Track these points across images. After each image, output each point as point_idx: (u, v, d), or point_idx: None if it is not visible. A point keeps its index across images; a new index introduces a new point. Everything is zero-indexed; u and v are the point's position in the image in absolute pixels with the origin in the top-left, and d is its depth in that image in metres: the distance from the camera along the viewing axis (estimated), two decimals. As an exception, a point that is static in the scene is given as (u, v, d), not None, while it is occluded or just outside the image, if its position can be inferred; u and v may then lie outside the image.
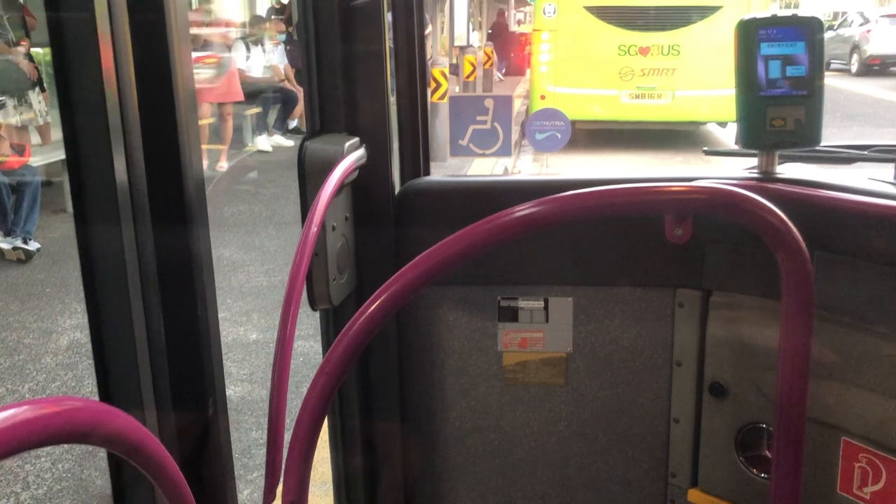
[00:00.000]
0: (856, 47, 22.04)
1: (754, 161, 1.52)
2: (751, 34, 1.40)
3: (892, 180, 1.43)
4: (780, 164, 1.51)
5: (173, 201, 1.04)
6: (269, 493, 1.11)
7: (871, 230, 1.36)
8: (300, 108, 11.80)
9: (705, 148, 1.95)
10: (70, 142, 0.97)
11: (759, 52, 1.39)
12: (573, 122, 8.10)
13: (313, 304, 1.48)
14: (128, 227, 1.00)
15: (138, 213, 1.00)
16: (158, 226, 1.02)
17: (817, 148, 1.47)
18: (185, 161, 1.04)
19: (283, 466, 1.13)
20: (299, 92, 11.57)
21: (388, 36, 1.60)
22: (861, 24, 22.53)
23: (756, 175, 1.50)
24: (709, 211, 1.20)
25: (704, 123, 11.92)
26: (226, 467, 1.19)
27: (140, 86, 0.98)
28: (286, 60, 11.75)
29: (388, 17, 1.62)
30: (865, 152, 1.61)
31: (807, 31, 1.39)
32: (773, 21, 1.40)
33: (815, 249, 1.38)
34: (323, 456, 1.71)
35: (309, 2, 1.52)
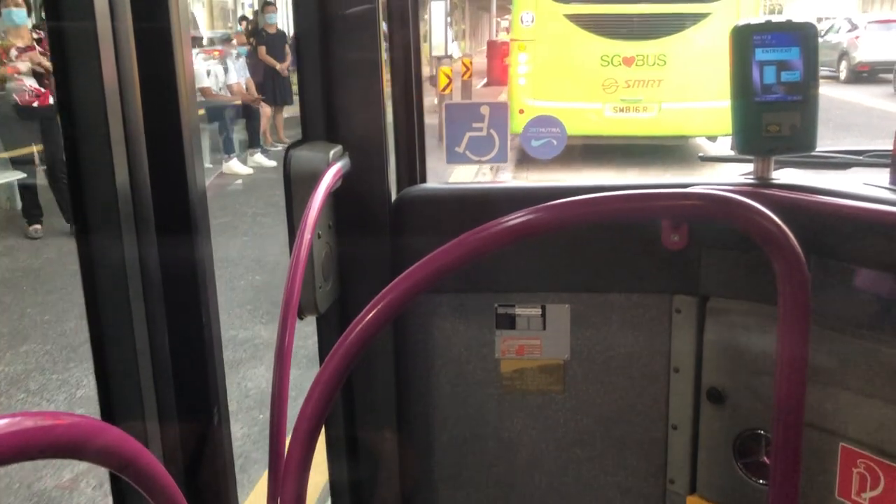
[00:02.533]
0: (844, 54, 21.27)
1: (750, 167, 1.53)
2: (746, 40, 1.41)
3: (887, 185, 1.43)
4: (776, 169, 1.51)
5: (177, 210, 1.04)
6: (272, 501, 1.11)
7: (866, 235, 1.36)
8: (264, 123, 11.64)
9: (701, 154, 1.96)
10: (70, 149, 0.97)
11: (754, 58, 1.40)
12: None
13: (300, 313, 1.48)
14: (130, 235, 1.00)
15: (141, 221, 1.00)
16: (162, 234, 1.02)
17: (813, 153, 1.48)
18: (190, 168, 1.04)
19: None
20: (260, 106, 11.31)
21: (384, 45, 1.60)
22: (849, 31, 21.88)
23: (752, 181, 1.50)
24: (705, 217, 1.21)
25: (693, 138, 11.10)
26: (228, 477, 1.19)
27: (144, 93, 0.98)
28: (247, 74, 11.40)
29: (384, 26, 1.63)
30: (861, 157, 1.62)
31: (801, 36, 1.40)
32: (768, 27, 1.41)
33: (811, 254, 1.39)
34: (319, 459, 1.70)
35: (302, 11, 1.52)
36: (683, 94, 9.83)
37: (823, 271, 1.40)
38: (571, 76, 10.18)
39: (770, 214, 1.11)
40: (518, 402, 1.70)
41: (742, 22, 1.43)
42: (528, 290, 1.66)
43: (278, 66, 11.90)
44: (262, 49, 11.84)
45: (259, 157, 11.14)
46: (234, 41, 12.27)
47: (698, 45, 9.68)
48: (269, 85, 11.91)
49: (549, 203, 1.12)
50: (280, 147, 11.53)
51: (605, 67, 10.08)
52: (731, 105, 1.45)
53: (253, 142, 11.38)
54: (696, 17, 9.85)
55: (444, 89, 12.68)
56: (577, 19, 10.10)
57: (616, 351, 1.65)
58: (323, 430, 1.13)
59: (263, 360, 4.65)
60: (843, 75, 21.30)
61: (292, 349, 1.18)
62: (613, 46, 10.08)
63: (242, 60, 11.48)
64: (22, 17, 7.64)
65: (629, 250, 1.60)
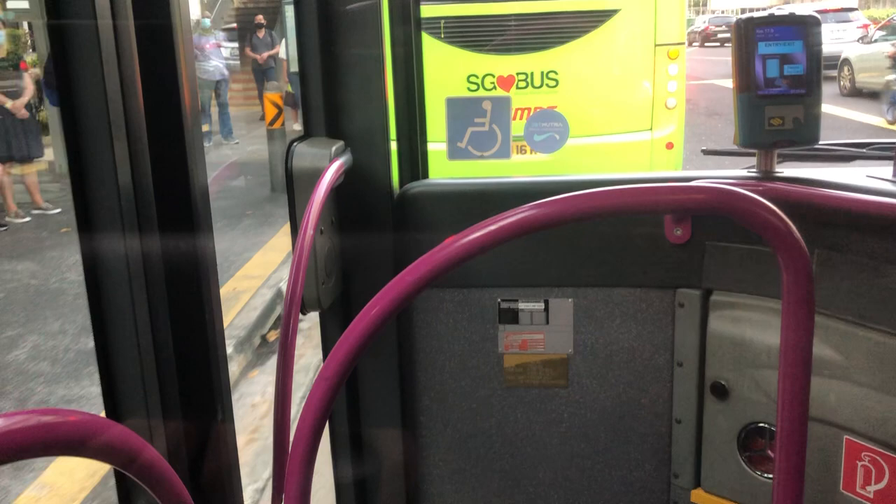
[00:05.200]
0: None
1: (753, 160, 1.53)
2: (749, 33, 1.41)
3: (890, 178, 1.43)
4: (779, 163, 1.51)
5: (179, 207, 1.04)
6: (276, 498, 1.11)
7: (870, 228, 1.36)
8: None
9: (703, 147, 1.96)
10: (73, 148, 0.97)
11: (757, 52, 1.40)
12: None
13: (303, 309, 1.48)
14: (133, 233, 1.00)
15: (144, 219, 1.00)
16: (165, 232, 1.03)
17: (816, 146, 1.48)
18: (192, 166, 1.04)
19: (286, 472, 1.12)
20: None
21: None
22: None
23: (755, 174, 1.50)
24: (708, 211, 1.21)
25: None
26: (232, 473, 1.19)
27: (146, 91, 0.98)
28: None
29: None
30: (864, 150, 1.62)
31: (804, 29, 1.40)
32: (771, 20, 1.41)
33: (815, 248, 1.38)
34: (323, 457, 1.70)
35: (303, 6, 1.52)
36: (587, 125, 6.73)
37: (827, 264, 1.40)
38: (427, 107, 6.48)
39: (774, 208, 1.11)
40: (522, 396, 1.70)
41: (745, 16, 1.43)
42: (531, 284, 1.66)
43: (10, 105, 8.30)
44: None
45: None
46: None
47: (604, 55, 6.81)
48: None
49: (552, 198, 1.12)
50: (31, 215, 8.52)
51: (473, 93, 6.85)
52: (734, 98, 1.45)
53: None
54: (600, 18, 6.85)
55: (272, 123, 8.89)
56: (428, 26, 6.74)
57: (619, 345, 1.65)
58: (327, 425, 1.13)
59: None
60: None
61: (295, 345, 1.18)
62: (483, 63, 6.85)
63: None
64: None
65: (632, 245, 1.60)
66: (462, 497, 1.77)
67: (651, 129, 6.78)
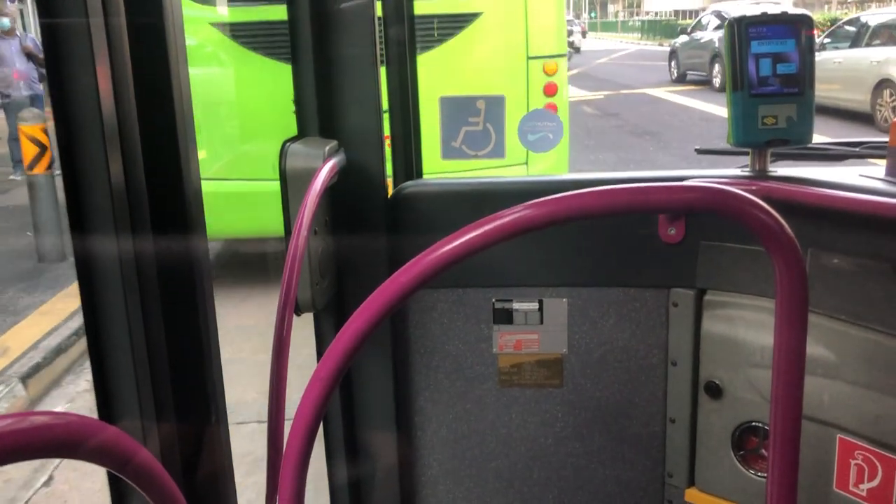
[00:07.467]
0: (717, 56, 16.04)
1: (746, 160, 1.53)
2: (741, 33, 1.41)
3: (883, 177, 1.43)
4: (772, 161, 1.51)
5: (173, 208, 1.04)
6: (270, 499, 1.11)
7: (863, 227, 1.36)
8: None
9: (697, 146, 1.96)
10: (65, 148, 0.97)
11: (750, 51, 1.40)
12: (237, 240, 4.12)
13: (297, 310, 1.48)
14: (126, 234, 0.99)
15: (137, 220, 1.00)
16: (158, 233, 1.02)
17: (809, 145, 1.48)
18: (185, 166, 1.04)
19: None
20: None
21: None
22: (717, 27, 16.87)
23: (748, 173, 1.50)
24: (701, 210, 1.21)
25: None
26: (227, 476, 1.19)
27: (139, 90, 0.98)
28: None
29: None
30: (857, 149, 1.62)
31: (797, 28, 1.41)
32: (764, 19, 1.41)
33: (808, 247, 1.39)
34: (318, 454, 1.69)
35: (295, 4, 1.52)
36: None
37: (820, 264, 1.40)
38: (245, 137, 5.62)
39: (767, 207, 1.11)
40: (516, 396, 1.70)
41: (737, 15, 1.43)
42: (526, 284, 1.66)
43: None
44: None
45: None
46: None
47: (462, 72, 5.40)
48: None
49: (545, 198, 1.12)
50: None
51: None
52: (728, 98, 1.45)
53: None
54: (456, 24, 5.48)
55: (31, 167, 6.34)
56: (240, 32, 5.42)
57: (614, 345, 1.65)
58: (321, 426, 1.13)
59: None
60: (718, 80, 16.11)
61: (289, 346, 1.18)
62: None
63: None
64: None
65: (626, 244, 1.60)
66: (457, 497, 1.77)
67: (526, 162, 5.28)
